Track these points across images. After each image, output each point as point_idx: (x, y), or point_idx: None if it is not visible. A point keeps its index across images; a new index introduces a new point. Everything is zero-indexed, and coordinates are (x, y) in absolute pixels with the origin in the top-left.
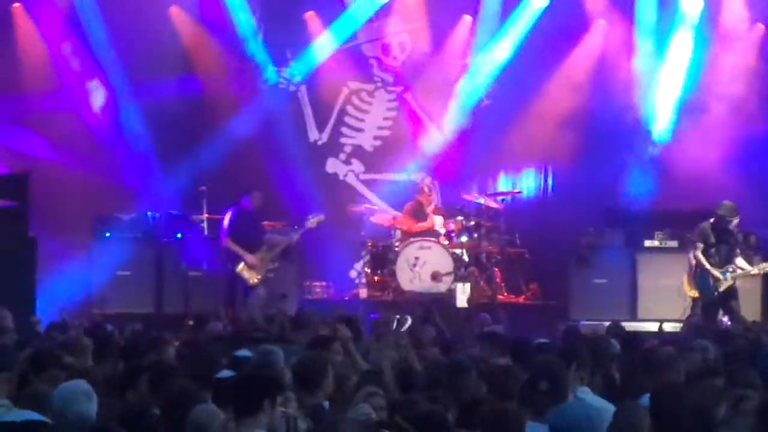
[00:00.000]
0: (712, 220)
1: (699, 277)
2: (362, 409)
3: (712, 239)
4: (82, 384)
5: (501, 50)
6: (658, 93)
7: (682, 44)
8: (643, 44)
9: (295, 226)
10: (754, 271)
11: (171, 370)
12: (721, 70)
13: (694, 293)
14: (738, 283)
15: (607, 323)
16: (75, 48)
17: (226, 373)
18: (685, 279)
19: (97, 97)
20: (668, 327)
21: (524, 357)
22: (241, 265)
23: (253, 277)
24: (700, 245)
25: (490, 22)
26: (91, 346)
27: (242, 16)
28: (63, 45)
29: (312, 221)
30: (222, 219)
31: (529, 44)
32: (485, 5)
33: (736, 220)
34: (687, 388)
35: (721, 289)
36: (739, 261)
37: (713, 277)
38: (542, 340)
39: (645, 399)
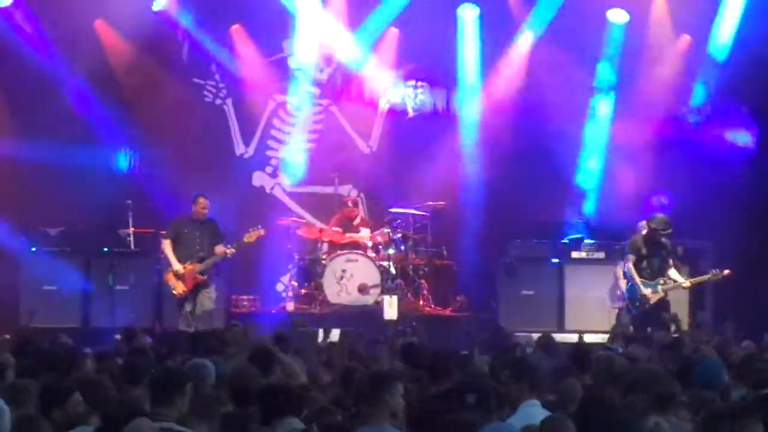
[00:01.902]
0: (644, 232)
1: (629, 288)
2: (291, 423)
3: (644, 251)
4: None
5: (430, 60)
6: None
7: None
8: (571, 58)
9: (228, 244)
10: (686, 284)
11: (102, 385)
12: (648, 82)
13: (618, 304)
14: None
15: (535, 334)
16: None
17: None
18: (609, 291)
19: None
20: (594, 338)
21: (442, 369)
22: (169, 274)
23: (178, 288)
24: (632, 257)
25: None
26: (12, 361)
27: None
28: None
29: (250, 235)
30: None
31: (460, 55)
32: (413, 16)
33: (668, 233)
34: (617, 398)
35: (652, 301)
36: (672, 273)
37: (642, 294)
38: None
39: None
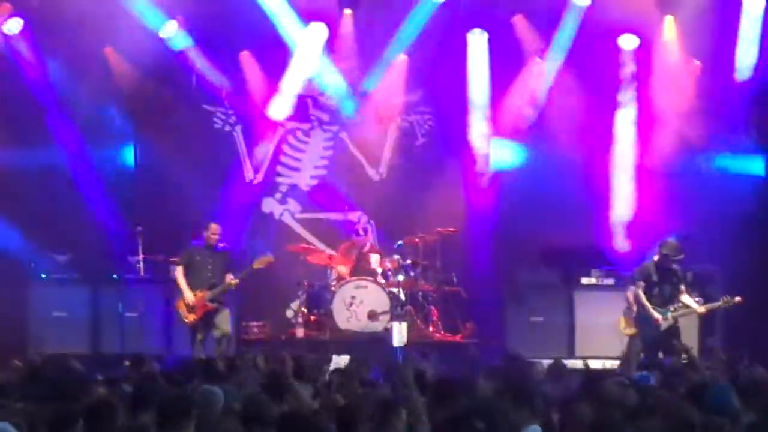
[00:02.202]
0: (655, 258)
1: (640, 315)
2: None
3: (655, 278)
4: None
5: (438, 89)
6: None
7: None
8: (584, 84)
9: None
10: (701, 309)
11: (111, 411)
12: (658, 105)
13: (630, 331)
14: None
15: (545, 361)
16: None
17: None
18: (621, 317)
19: None
20: (603, 364)
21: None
22: (180, 302)
23: (189, 316)
24: (641, 283)
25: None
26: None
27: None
28: None
29: (260, 261)
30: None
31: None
32: (422, 43)
33: (679, 258)
34: (626, 425)
35: (663, 328)
36: (685, 298)
37: (652, 317)
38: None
39: None
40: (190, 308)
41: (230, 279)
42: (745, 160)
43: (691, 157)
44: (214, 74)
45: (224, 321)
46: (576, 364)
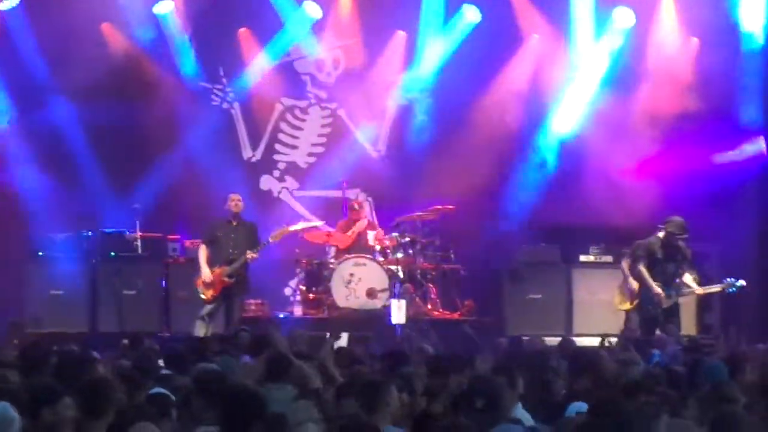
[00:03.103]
0: (661, 235)
1: (642, 292)
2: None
3: (660, 255)
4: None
5: (436, 66)
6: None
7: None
8: (578, 60)
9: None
10: (700, 290)
11: (106, 388)
12: (655, 83)
13: (626, 305)
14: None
15: (545, 338)
16: None
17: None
18: (617, 292)
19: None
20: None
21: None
22: (198, 280)
23: (207, 293)
24: (644, 261)
25: (425, 38)
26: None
27: (175, 33)
28: None
29: (276, 234)
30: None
31: (464, 60)
32: (421, 21)
33: (684, 237)
34: (627, 401)
35: (664, 305)
36: (687, 278)
37: (656, 293)
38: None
39: (573, 409)
40: (208, 285)
41: (250, 254)
42: (746, 138)
43: (688, 134)
44: (212, 51)
45: (238, 309)
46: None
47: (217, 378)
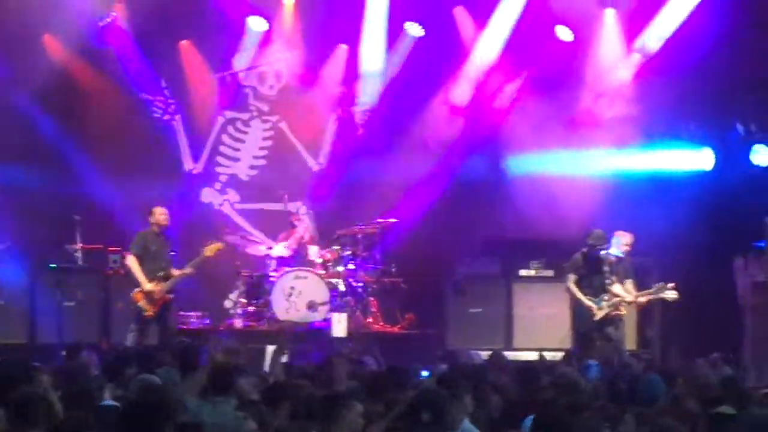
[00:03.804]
0: (584, 250)
1: (575, 307)
2: None
3: (584, 270)
4: None
5: (377, 80)
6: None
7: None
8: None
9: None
10: (629, 298)
11: (37, 401)
12: (596, 97)
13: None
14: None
15: (483, 352)
16: None
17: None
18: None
19: None
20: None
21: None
22: (138, 293)
23: (149, 309)
24: (573, 276)
25: (367, 52)
26: None
27: (117, 45)
28: None
29: (210, 249)
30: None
31: (406, 73)
32: (363, 34)
33: (606, 247)
34: (570, 416)
35: (597, 318)
36: (616, 288)
37: (587, 307)
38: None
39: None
40: (150, 300)
41: (189, 269)
42: (691, 153)
43: (632, 149)
44: (153, 63)
45: (172, 318)
46: (515, 356)
47: (158, 390)
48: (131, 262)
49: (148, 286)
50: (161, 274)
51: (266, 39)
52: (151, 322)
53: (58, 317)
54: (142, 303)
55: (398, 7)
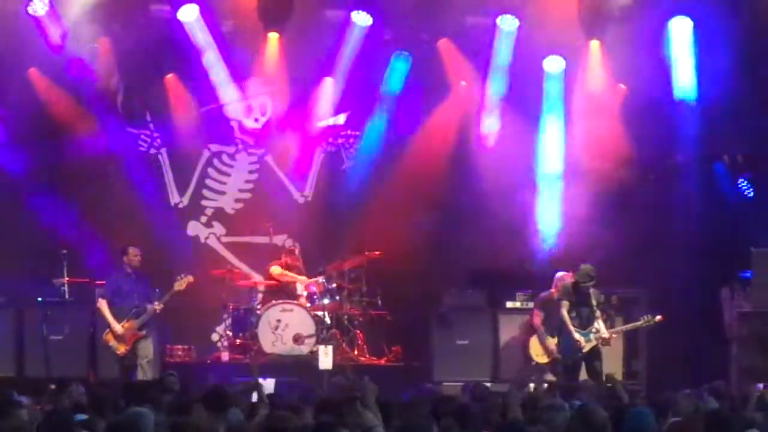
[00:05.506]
0: (572, 281)
1: (564, 337)
2: None
3: (574, 299)
4: None
5: (365, 113)
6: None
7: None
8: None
9: (157, 290)
10: (606, 334)
11: None
12: (583, 130)
13: (544, 359)
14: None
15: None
16: None
17: None
18: (531, 343)
19: None
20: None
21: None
22: (108, 335)
23: (120, 348)
24: (566, 303)
25: (353, 85)
26: None
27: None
28: None
29: (180, 283)
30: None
31: (393, 106)
32: (348, 67)
33: (591, 284)
34: None
35: (585, 350)
36: (598, 323)
37: (576, 340)
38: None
39: None
40: (121, 339)
41: (155, 305)
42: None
43: (619, 179)
44: (139, 97)
45: (147, 348)
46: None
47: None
48: (102, 305)
49: (117, 327)
50: (134, 311)
51: (252, 71)
52: (130, 360)
53: (46, 350)
54: (113, 344)
55: (385, 40)
